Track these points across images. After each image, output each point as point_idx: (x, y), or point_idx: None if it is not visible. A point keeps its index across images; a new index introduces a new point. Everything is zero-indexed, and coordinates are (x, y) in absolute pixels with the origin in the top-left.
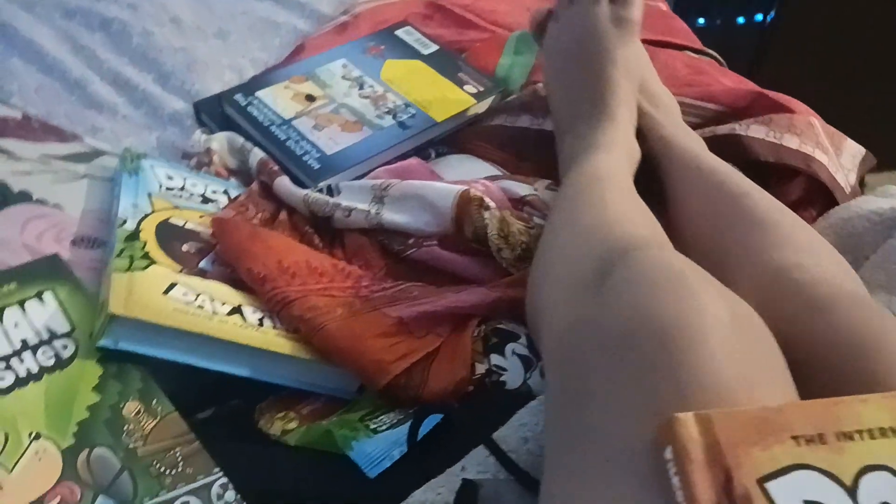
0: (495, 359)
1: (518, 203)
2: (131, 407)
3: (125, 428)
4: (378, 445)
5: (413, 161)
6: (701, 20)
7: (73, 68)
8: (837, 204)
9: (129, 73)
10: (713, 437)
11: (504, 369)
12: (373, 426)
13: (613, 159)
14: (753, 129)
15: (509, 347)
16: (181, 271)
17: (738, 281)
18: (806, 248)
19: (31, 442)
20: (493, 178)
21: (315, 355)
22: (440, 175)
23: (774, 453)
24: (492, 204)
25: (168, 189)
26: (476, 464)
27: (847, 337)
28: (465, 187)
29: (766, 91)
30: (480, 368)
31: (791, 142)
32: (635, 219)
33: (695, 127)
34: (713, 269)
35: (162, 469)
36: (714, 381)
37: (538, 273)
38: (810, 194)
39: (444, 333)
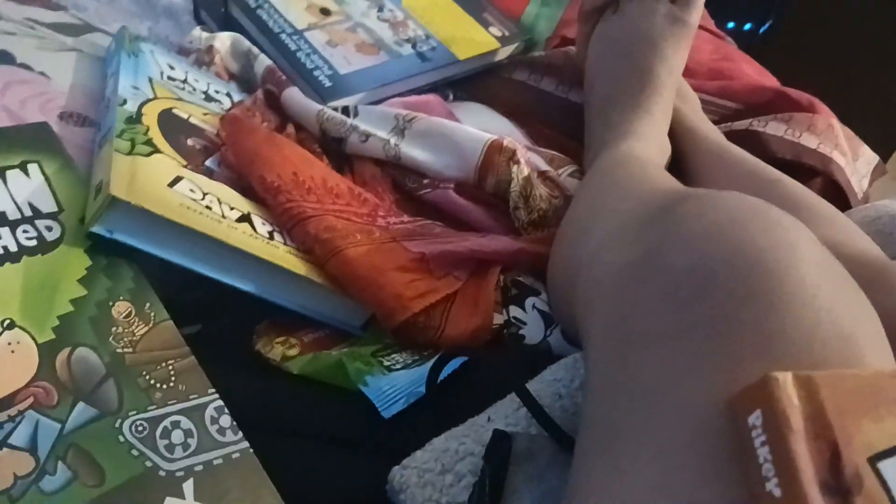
0: (514, 311)
1: (541, 175)
2: (121, 307)
3: (113, 330)
4: (394, 383)
5: (432, 97)
6: None
7: None
8: (850, 209)
9: None
10: (818, 404)
11: (524, 322)
12: (386, 363)
13: (646, 148)
14: (772, 126)
15: (529, 301)
16: (186, 166)
17: None
18: (845, 228)
19: (2, 330)
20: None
21: (327, 281)
22: (459, 117)
23: (887, 427)
24: (522, 160)
25: (170, 78)
26: (504, 416)
27: None
28: (497, 136)
29: (787, 89)
30: (499, 319)
31: (810, 141)
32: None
33: (714, 123)
34: None
35: (152, 381)
36: (809, 335)
37: (573, 229)
38: (823, 195)
39: (463, 277)
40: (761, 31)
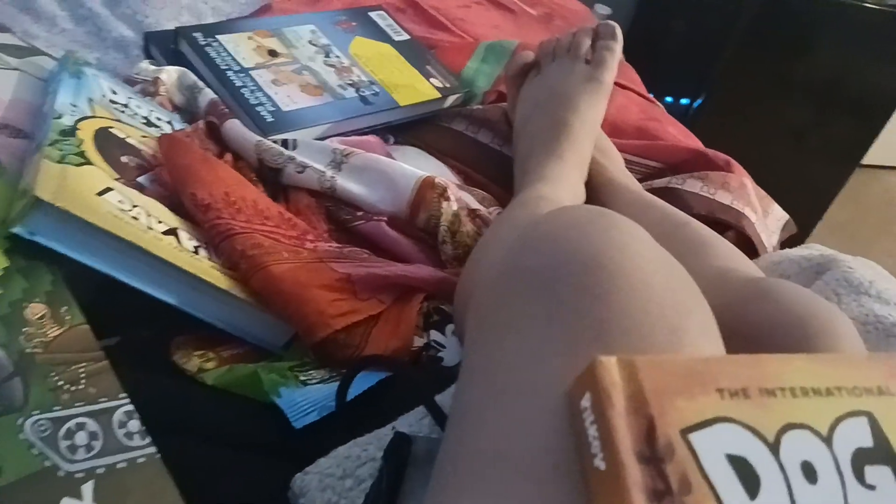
0: (435, 335)
1: (470, 213)
2: (36, 309)
3: (24, 330)
4: (308, 396)
5: (372, 138)
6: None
7: None
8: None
9: None
10: (637, 384)
11: (443, 346)
12: (302, 378)
13: (555, 190)
14: (689, 184)
15: (450, 327)
16: (118, 179)
17: None
18: (738, 259)
19: None
20: (460, 187)
21: (250, 297)
22: (396, 159)
23: (699, 405)
24: (452, 197)
25: (111, 101)
26: (408, 425)
27: (788, 315)
28: (429, 174)
29: (705, 150)
30: (419, 342)
31: (724, 198)
32: None
33: (637, 181)
34: None
35: (60, 383)
36: (638, 324)
37: (472, 259)
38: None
39: (388, 301)
40: (695, 105)
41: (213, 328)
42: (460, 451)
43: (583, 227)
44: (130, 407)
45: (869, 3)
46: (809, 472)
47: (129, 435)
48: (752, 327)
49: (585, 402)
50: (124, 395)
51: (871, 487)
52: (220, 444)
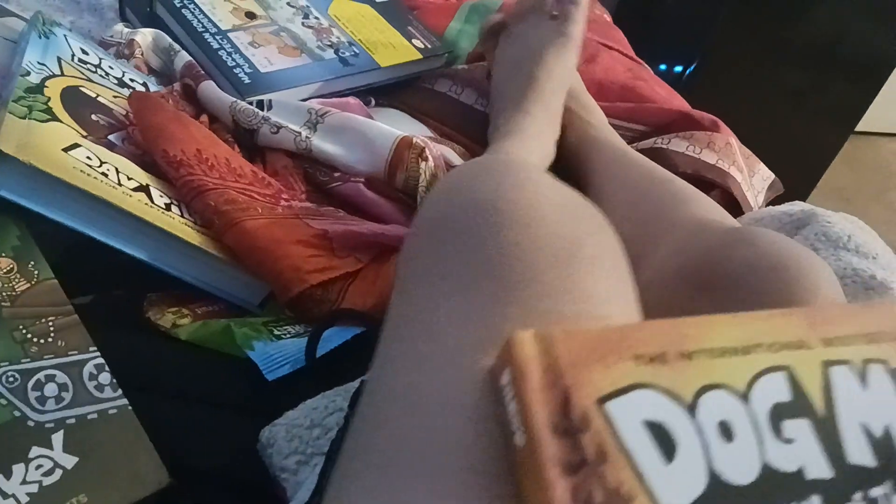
0: None
1: (450, 169)
2: (2, 263)
3: None
4: (281, 349)
5: (351, 99)
6: None
7: None
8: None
9: None
10: (553, 357)
11: None
12: (277, 332)
13: (522, 145)
14: (674, 143)
15: None
16: (87, 137)
17: (664, 242)
18: (717, 211)
19: None
20: (434, 140)
21: (224, 254)
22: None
23: (615, 373)
24: (430, 157)
25: (81, 61)
26: None
27: (768, 260)
28: (407, 133)
29: (691, 111)
30: None
31: (709, 157)
32: None
33: None
34: (639, 247)
35: (28, 335)
36: (524, 255)
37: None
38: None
39: (365, 259)
40: (688, 71)
41: (188, 286)
42: (375, 424)
43: (480, 176)
44: (101, 360)
45: None
46: (726, 430)
47: (100, 387)
48: (730, 273)
49: (505, 378)
50: (94, 348)
51: (789, 441)
52: (193, 400)
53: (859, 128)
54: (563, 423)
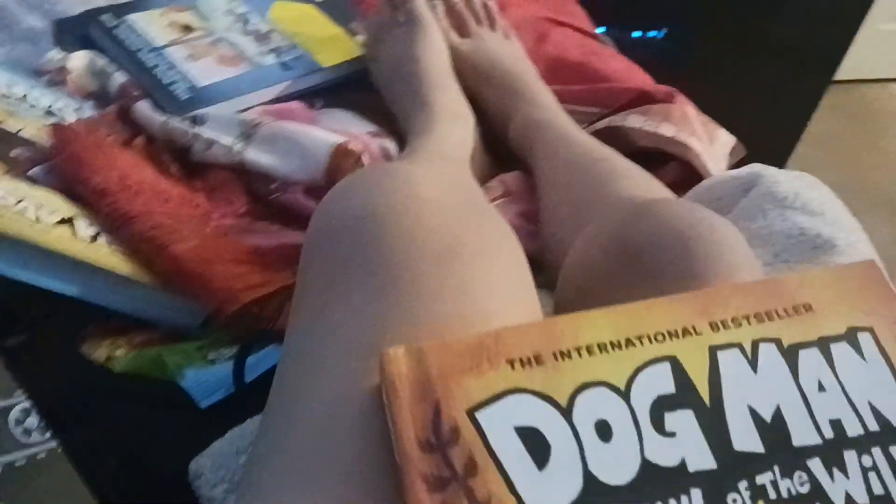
0: None
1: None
2: None
3: None
4: (214, 375)
5: (294, 104)
6: (600, 29)
7: None
8: None
9: None
10: (424, 370)
11: None
12: (210, 357)
13: (432, 138)
14: (631, 120)
15: None
16: (7, 173)
17: (592, 220)
18: (660, 190)
19: None
20: (375, 134)
21: (155, 280)
22: (321, 124)
23: (488, 380)
24: (367, 162)
25: (4, 96)
26: None
27: (668, 231)
28: (343, 139)
29: (646, 87)
30: None
31: (667, 130)
32: None
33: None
34: (573, 227)
35: None
36: (404, 258)
37: None
38: (682, 179)
39: None
40: (659, 35)
41: (124, 316)
42: (265, 442)
43: (359, 185)
44: (26, 404)
45: None
46: (604, 430)
47: (27, 432)
48: (635, 246)
49: (384, 396)
50: (20, 392)
51: (671, 434)
52: (130, 433)
53: (842, 76)
54: (432, 437)
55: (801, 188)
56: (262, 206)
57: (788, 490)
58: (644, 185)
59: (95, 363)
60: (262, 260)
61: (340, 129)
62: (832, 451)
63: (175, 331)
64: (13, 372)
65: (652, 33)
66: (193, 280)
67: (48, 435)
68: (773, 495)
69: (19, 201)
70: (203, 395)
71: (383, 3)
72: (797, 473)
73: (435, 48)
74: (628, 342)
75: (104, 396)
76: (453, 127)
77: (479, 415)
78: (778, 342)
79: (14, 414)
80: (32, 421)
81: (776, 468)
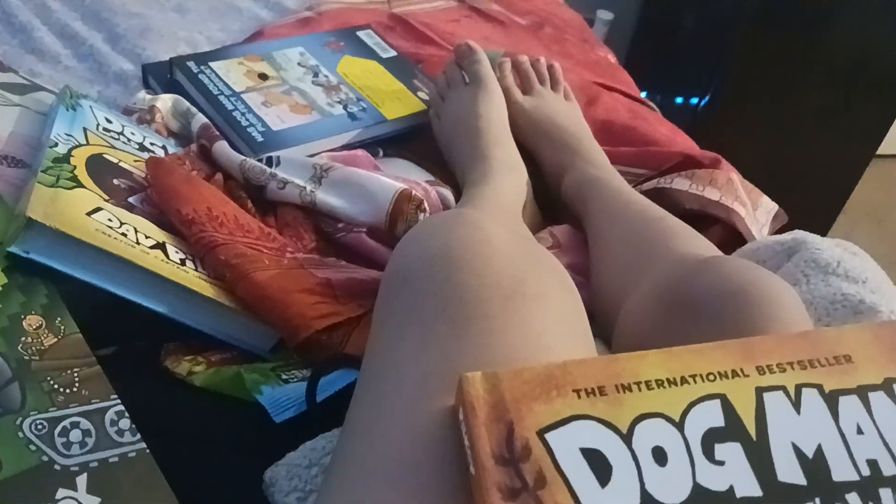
0: None
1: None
2: (32, 321)
3: (22, 339)
4: (288, 393)
5: (360, 152)
6: (643, 94)
7: (20, 13)
8: None
9: (78, 28)
10: (499, 394)
11: None
12: (284, 377)
13: (489, 189)
14: (677, 182)
15: None
16: (108, 200)
17: (649, 274)
18: (712, 250)
19: None
20: (433, 183)
21: (236, 304)
22: (383, 172)
23: (556, 406)
24: (428, 207)
25: (105, 130)
26: None
27: (729, 286)
28: (406, 186)
29: (693, 152)
30: None
31: (712, 194)
32: None
33: None
34: (630, 279)
35: (55, 386)
36: (473, 296)
37: None
38: (725, 243)
39: (368, 305)
40: (703, 102)
41: (203, 336)
42: (344, 457)
43: (435, 229)
44: (121, 407)
45: None
46: (660, 455)
47: (121, 432)
48: (694, 299)
49: (461, 415)
50: (115, 396)
51: (721, 463)
52: (206, 443)
53: (886, 150)
54: (506, 452)
55: (843, 255)
56: (329, 245)
57: None
58: (699, 244)
59: (177, 377)
60: (332, 292)
61: (401, 176)
62: (869, 486)
63: (248, 353)
64: (109, 377)
65: (694, 100)
66: (272, 306)
67: (138, 436)
68: None
69: (122, 224)
70: (278, 410)
71: (450, 64)
72: None
73: (495, 107)
74: (682, 380)
75: (185, 407)
76: (508, 179)
77: (548, 436)
78: (820, 388)
79: (109, 415)
80: (125, 422)
81: (817, 500)
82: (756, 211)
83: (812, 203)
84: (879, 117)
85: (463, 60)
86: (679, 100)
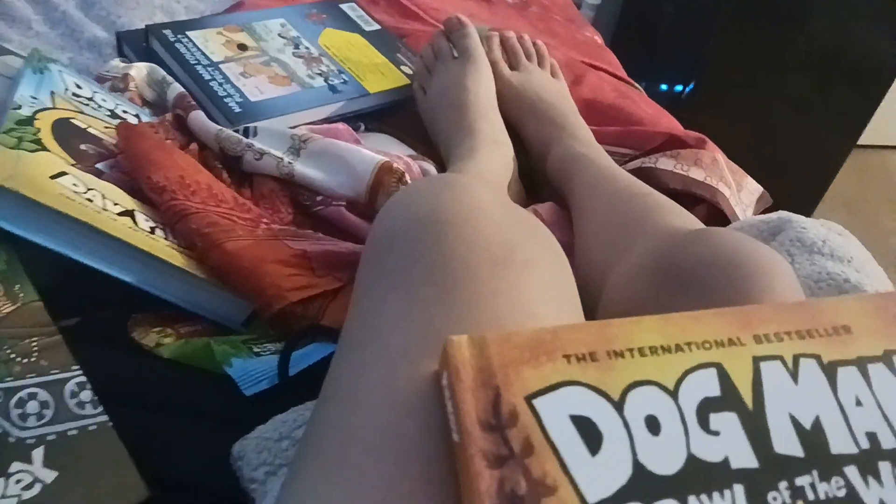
0: None
1: None
2: None
3: None
4: (259, 366)
5: (340, 125)
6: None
7: None
8: None
9: None
10: (486, 359)
11: None
12: (256, 350)
13: (475, 162)
14: (662, 162)
15: None
16: (75, 165)
17: (636, 246)
18: (689, 220)
19: None
20: (415, 158)
21: (207, 275)
22: (364, 146)
23: (545, 372)
24: (409, 180)
25: (75, 95)
26: None
27: (721, 256)
28: (387, 158)
29: (678, 133)
30: None
31: (697, 174)
32: None
33: None
34: (616, 251)
35: (12, 355)
36: (462, 261)
37: None
38: (709, 222)
39: (344, 279)
40: (687, 90)
41: (173, 307)
42: (321, 425)
43: (423, 191)
44: (82, 378)
45: None
46: (653, 424)
47: (81, 404)
48: (686, 269)
49: (444, 380)
50: (77, 367)
51: (715, 433)
52: (174, 415)
53: (866, 141)
54: (492, 419)
55: (828, 235)
56: (306, 218)
57: (826, 493)
58: (686, 218)
59: (145, 348)
60: (308, 264)
61: (382, 150)
62: (868, 460)
63: (219, 326)
64: (73, 348)
65: (678, 87)
66: (245, 276)
67: (100, 409)
68: (811, 496)
69: (88, 189)
70: (248, 383)
71: (438, 35)
72: (834, 478)
73: (484, 81)
74: (677, 347)
75: (153, 379)
76: (494, 154)
77: (536, 402)
78: (818, 358)
79: (69, 386)
80: (87, 394)
81: (815, 472)
82: (740, 192)
83: (792, 191)
84: (859, 108)
85: (452, 33)
86: (664, 87)
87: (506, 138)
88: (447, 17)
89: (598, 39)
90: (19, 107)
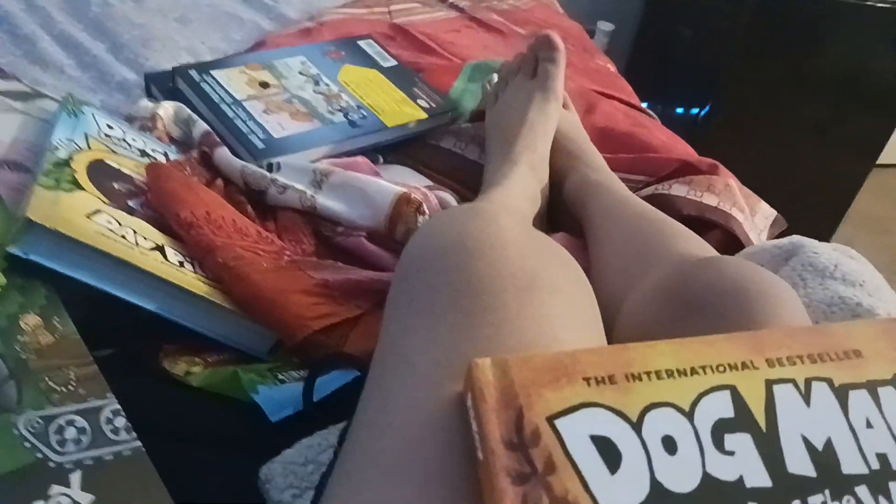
0: None
1: None
2: (30, 320)
3: (19, 339)
4: (284, 392)
5: (360, 158)
6: (644, 104)
7: (24, 24)
8: None
9: (81, 38)
10: (509, 380)
11: None
12: (280, 377)
13: (502, 193)
14: (675, 188)
15: None
16: (108, 204)
17: (650, 272)
18: (710, 251)
19: None
20: (432, 188)
21: (234, 306)
22: (383, 177)
23: (565, 394)
24: (427, 210)
25: (107, 136)
26: None
27: (729, 283)
28: (405, 189)
29: (691, 158)
30: None
31: (710, 200)
32: None
33: None
34: (630, 277)
35: (52, 385)
36: (486, 287)
37: None
38: (723, 248)
39: (365, 307)
40: (703, 112)
41: (201, 337)
42: (351, 447)
43: (450, 220)
44: (117, 406)
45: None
46: (670, 444)
47: (116, 431)
48: (695, 296)
49: (468, 401)
50: (111, 395)
51: (730, 453)
52: (203, 441)
53: (886, 160)
54: (515, 438)
55: (840, 259)
56: (327, 248)
57: None
58: (699, 244)
59: (175, 377)
60: (330, 292)
61: (400, 182)
62: (878, 480)
63: (245, 354)
64: (107, 377)
65: (695, 110)
66: (269, 307)
67: (134, 435)
68: None
69: (121, 226)
70: (274, 410)
71: (529, 48)
72: (846, 497)
73: (549, 116)
74: (692, 371)
75: (183, 406)
76: (526, 186)
77: (557, 422)
78: (829, 381)
79: (105, 413)
80: (121, 421)
81: (827, 491)
82: (754, 216)
83: (814, 212)
84: (878, 127)
85: (541, 51)
86: (680, 110)
87: (544, 171)
88: (543, 32)
89: (612, 68)
90: (56, 149)
